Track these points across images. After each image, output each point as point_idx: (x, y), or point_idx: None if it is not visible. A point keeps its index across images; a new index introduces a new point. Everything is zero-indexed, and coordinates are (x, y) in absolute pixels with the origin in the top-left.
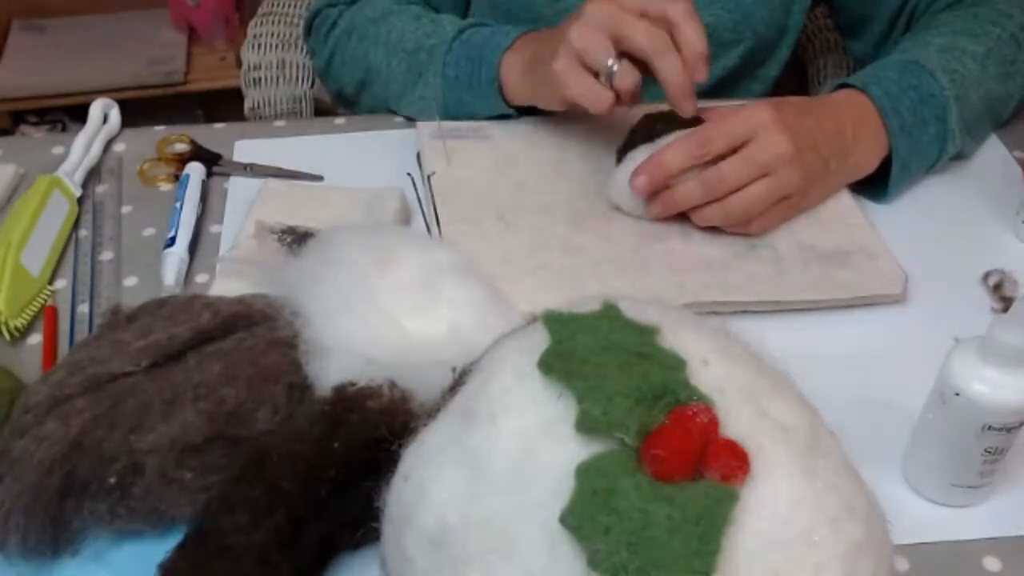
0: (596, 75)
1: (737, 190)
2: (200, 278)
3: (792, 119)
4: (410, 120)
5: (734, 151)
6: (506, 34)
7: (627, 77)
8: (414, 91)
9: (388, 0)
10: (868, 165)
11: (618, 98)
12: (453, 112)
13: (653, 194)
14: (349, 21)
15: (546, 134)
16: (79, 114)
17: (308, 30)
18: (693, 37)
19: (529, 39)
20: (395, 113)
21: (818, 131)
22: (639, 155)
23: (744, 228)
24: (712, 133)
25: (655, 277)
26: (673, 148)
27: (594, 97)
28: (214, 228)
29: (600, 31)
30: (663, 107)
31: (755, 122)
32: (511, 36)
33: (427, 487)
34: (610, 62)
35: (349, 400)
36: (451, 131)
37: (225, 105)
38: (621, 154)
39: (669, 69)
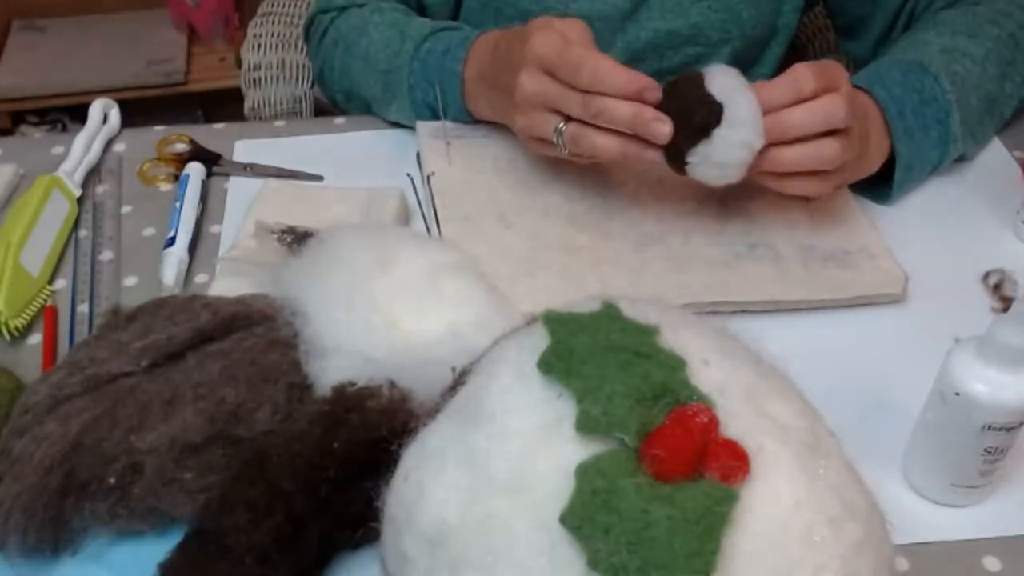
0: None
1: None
2: (200, 278)
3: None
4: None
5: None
6: (455, 56)
7: (575, 143)
8: (390, 109)
9: (371, 8)
10: (872, 166)
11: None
12: None
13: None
14: (337, 30)
15: None
16: (79, 114)
17: (306, 37)
18: (622, 84)
19: (477, 63)
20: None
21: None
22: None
23: (817, 188)
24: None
25: (655, 277)
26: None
27: (568, 157)
28: (214, 228)
29: (537, 109)
30: None
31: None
32: (461, 57)
33: (427, 487)
34: (560, 126)
35: (349, 400)
36: (451, 131)
37: (225, 105)
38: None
39: (619, 119)
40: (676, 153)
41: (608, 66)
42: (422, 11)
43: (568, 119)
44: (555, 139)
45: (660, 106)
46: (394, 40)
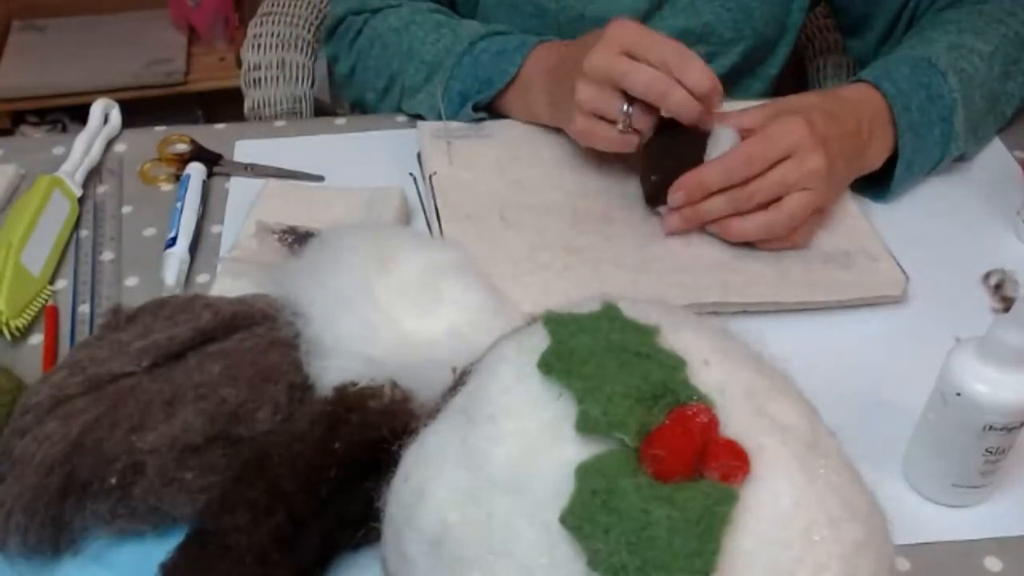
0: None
1: (768, 205)
2: (201, 278)
3: (822, 129)
4: (411, 120)
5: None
6: (511, 59)
7: (643, 119)
8: (417, 98)
9: (410, 9)
10: (875, 162)
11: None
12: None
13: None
14: (373, 30)
15: (547, 133)
16: (79, 114)
17: (330, 35)
18: (697, 76)
19: (543, 60)
20: (398, 112)
21: (843, 138)
22: None
23: (787, 242)
24: (754, 154)
25: (655, 277)
26: (715, 168)
27: (620, 144)
28: (215, 228)
29: (604, 84)
30: None
31: (794, 141)
32: (517, 61)
33: (427, 487)
34: (625, 107)
35: (350, 400)
36: (452, 131)
37: (225, 105)
38: (649, 174)
39: (678, 107)
40: (655, 191)
41: (694, 55)
42: (451, 7)
43: (631, 101)
44: (620, 119)
45: (656, 137)
46: (445, 36)
